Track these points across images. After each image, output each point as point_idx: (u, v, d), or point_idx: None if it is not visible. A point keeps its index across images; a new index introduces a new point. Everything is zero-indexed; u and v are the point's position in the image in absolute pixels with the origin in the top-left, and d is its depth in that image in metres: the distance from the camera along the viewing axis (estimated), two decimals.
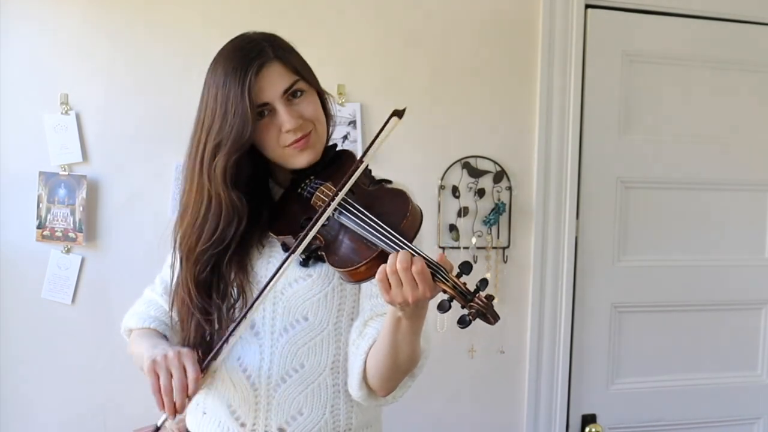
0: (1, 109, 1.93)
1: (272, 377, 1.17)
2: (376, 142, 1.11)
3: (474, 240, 2.13)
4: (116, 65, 1.96)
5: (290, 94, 1.12)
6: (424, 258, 0.97)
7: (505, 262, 2.18)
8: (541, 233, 2.19)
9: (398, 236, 1.00)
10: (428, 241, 2.11)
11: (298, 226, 1.11)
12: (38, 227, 1.95)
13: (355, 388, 1.14)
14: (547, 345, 2.22)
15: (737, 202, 2.36)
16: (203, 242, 1.13)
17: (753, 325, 2.42)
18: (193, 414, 1.26)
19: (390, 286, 0.96)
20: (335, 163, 1.20)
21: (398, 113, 1.13)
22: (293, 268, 1.15)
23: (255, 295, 1.10)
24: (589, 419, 2.30)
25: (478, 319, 0.95)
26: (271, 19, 1.96)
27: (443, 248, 2.12)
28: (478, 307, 0.95)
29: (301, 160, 1.15)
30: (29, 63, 1.94)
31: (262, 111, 1.12)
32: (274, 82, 1.10)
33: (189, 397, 1.03)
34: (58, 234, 1.95)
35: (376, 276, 0.97)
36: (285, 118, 1.11)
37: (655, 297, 2.32)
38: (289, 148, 1.13)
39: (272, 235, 1.17)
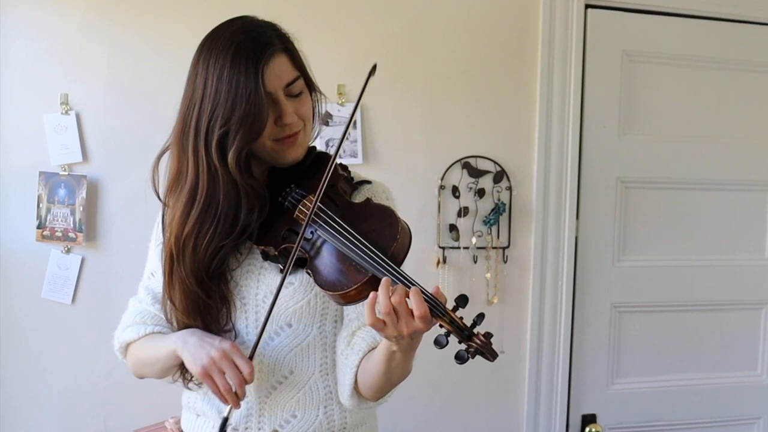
0: (2, 109, 1.93)
1: (262, 386, 1.16)
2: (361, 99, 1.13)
3: (474, 240, 2.13)
4: (116, 65, 1.96)
5: (289, 90, 1.10)
6: (421, 291, 0.93)
7: (505, 262, 2.17)
8: (541, 233, 2.19)
9: (391, 264, 0.97)
10: (428, 241, 2.11)
11: (280, 237, 1.09)
12: (38, 227, 1.95)
13: (346, 397, 1.13)
14: (547, 345, 2.21)
15: (737, 202, 2.36)
16: (223, 232, 1.08)
17: (753, 325, 2.41)
18: (187, 417, 1.26)
19: (385, 324, 0.93)
20: (314, 167, 1.16)
21: (373, 70, 1.14)
22: (274, 276, 1.13)
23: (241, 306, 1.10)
24: (589, 419, 2.30)
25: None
26: (271, 19, 1.96)
27: (443, 248, 2.12)
28: (477, 346, 0.92)
29: (288, 155, 1.13)
30: (29, 63, 1.93)
31: None
32: (280, 73, 1.08)
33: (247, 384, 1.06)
34: (58, 234, 1.95)
35: (367, 320, 0.93)
36: (287, 110, 1.09)
37: (655, 297, 2.32)
38: (278, 142, 1.11)
39: (252, 243, 1.13)
